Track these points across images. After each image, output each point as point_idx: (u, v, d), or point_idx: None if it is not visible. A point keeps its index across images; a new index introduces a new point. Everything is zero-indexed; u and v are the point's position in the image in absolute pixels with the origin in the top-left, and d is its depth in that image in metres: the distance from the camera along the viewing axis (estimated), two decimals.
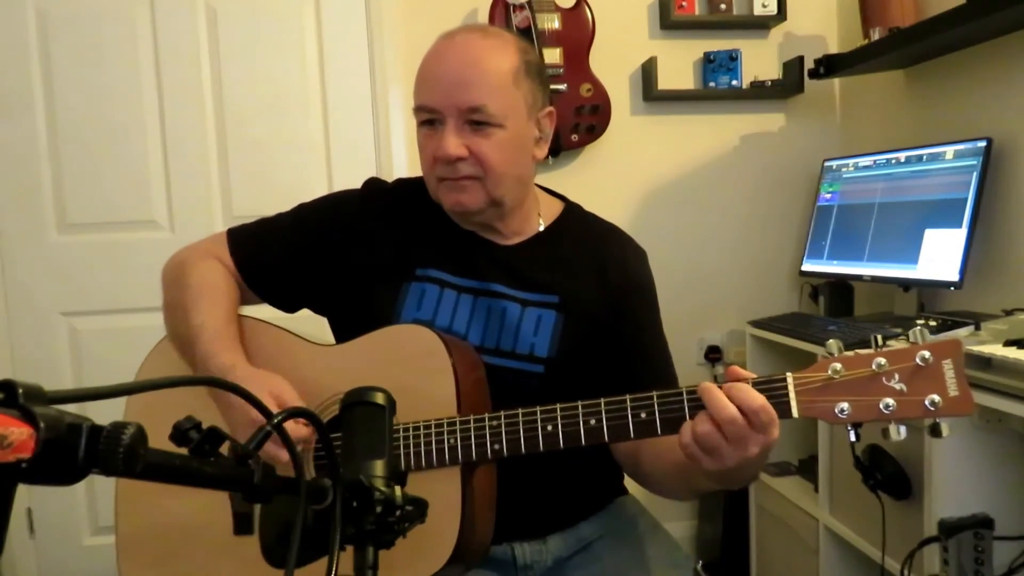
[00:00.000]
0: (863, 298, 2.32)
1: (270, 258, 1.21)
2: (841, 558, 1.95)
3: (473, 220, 1.16)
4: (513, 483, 1.06)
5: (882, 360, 0.85)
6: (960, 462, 1.47)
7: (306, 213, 1.24)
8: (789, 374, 0.88)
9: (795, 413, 0.87)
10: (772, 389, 0.87)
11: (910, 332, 0.86)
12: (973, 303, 1.94)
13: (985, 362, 1.35)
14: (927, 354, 0.84)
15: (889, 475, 1.63)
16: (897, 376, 0.85)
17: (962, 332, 1.45)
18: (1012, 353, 1.32)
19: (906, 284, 2.03)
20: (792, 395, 0.87)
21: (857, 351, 0.88)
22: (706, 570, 2.43)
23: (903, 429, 0.85)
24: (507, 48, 1.11)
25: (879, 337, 0.87)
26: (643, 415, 0.93)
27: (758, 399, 0.85)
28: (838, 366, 0.86)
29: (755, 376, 0.89)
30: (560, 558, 1.18)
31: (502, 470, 1.05)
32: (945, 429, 0.84)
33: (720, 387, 0.87)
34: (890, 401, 0.84)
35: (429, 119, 1.10)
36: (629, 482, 1.25)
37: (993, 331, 1.44)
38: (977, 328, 1.46)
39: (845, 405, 0.86)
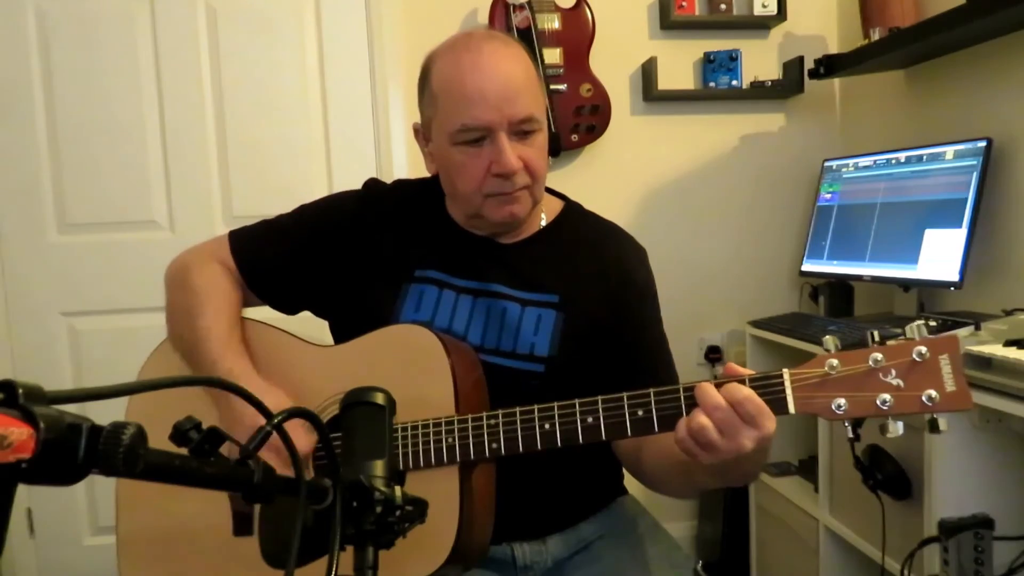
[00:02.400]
0: (863, 298, 2.32)
1: (271, 260, 1.22)
2: (841, 558, 1.95)
3: (506, 228, 1.17)
4: (513, 483, 1.06)
5: (879, 356, 0.85)
6: (960, 462, 1.47)
7: (307, 215, 1.24)
8: (785, 370, 0.88)
9: (792, 409, 0.87)
10: (768, 385, 0.88)
11: (907, 328, 0.86)
12: (973, 303, 1.94)
13: (985, 362, 1.35)
14: (924, 350, 0.84)
15: (889, 475, 1.63)
16: (894, 372, 0.85)
17: (962, 332, 1.45)
18: (1012, 353, 1.32)
19: (906, 284, 2.02)
20: (789, 391, 0.87)
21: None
22: (706, 570, 2.44)
23: (900, 425, 0.85)
24: (522, 51, 1.13)
25: (875, 333, 0.87)
26: (640, 413, 0.93)
27: (743, 390, 0.86)
28: (835, 362, 0.86)
29: (752, 372, 0.89)
30: (560, 558, 1.18)
31: (502, 470, 1.05)
32: (943, 424, 0.84)
33: (716, 384, 0.88)
34: (887, 397, 0.84)
35: (476, 137, 1.08)
36: (629, 482, 1.25)
37: (993, 331, 1.44)
38: (977, 328, 1.45)
39: (842, 401, 0.86)
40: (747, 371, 0.90)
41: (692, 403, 0.88)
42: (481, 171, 1.08)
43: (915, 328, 0.86)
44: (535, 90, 1.11)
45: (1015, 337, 1.38)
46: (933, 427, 0.84)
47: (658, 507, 1.38)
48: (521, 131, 1.08)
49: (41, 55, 2.31)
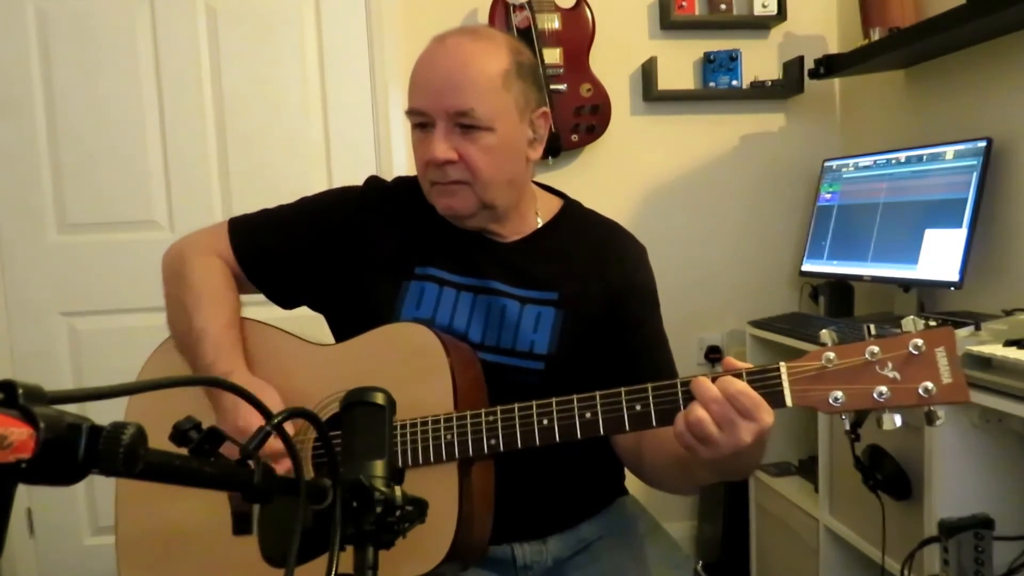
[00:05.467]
0: (863, 298, 2.32)
1: (270, 251, 1.21)
2: (841, 558, 1.95)
3: (467, 224, 1.16)
4: (513, 483, 1.06)
5: (875, 348, 0.85)
6: (960, 462, 1.47)
7: (308, 207, 1.24)
8: (783, 364, 0.89)
9: (789, 402, 0.88)
10: (766, 378, 0.88)
11: (903, 322, 0.87)
12: (973, 303, 1.94)
13: (985, 362, 1.35)
14: (920, 342, 0.84)
15: (889, 475, 1.63)
16: (890, 364, 0.85)
17: (962, 332, 1.45)
18: (1012, 353, 1.31)
19: (906, 284, 2.02)
20: (786, 384, 0.88)
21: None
22: (706, 570, 2.44)
23: (898, 418, 0.86)
24: (498, 50, 1.10)
25: (871, 327, 0.87)
26: (638, 407, 0.93)
27: (739, 383, 0.86)
28: (831, 355, 0.86)
29: (750, 366, 0.89)
30: (560, 558, 1.18)
31: (502, 471, 1.05)
32: (940, 416, 0.84)
33: (713, 378, 0.88)
34: (884, 389, 0.85)
35: (421, 122, 1.10)
36: (630, 482, 1.25)
37: (993, 331, 1.43)
38: (977, 328, 1.45)
39: (839, 394, 0.86)
40: (745, 364, 0.90)
41: (690, 397, 0.89)
42: (423, 157, 1.11)
43: (911, 321, 0.86)
44: (491, 89, 1.07)
45: (1015, 337, 1.38)
46: (930, 420, 0.85)
47: (658, 507, 1.38)
48: (462, 124, 1.07)
49: (41, 55, 2.32)
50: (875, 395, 0.85)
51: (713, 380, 0.88)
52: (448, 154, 1.07)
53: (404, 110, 1.13)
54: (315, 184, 2.39)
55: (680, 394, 0.91)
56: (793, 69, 2.50)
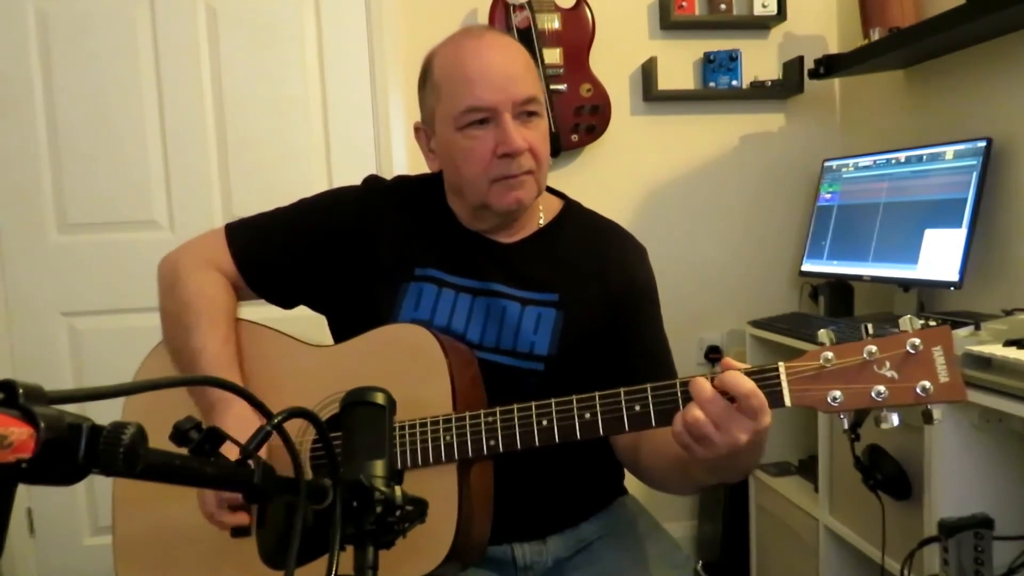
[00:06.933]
0: (863, 298, 2.32)
1: (270, 255, 1.21)
2: (841, 558, 1.95)
3: (511, 218, 1.16)
4: (513, 484, 1.06)
5: (873, 348, 0.85)
6: (960, 462, 1.47)
7: (306, 209, 1.24)
8: (781, 363, 0.89)
9: (788, 402, 0.88)
10: (765, 379, 0.88)
11: (900, 321, 0.87)
12: (973, 303, 1.94)
13: (985, 362, 1.35)
14: (917, 341, 0.85)
15: (889, 475, 1.63)
16: (888, 364, 0.85)
17: (962, 332, 1.45)
18: (1012, 353, 1.31)
19: (906, 284, 2.02)
20: (784, 384, 0.88)
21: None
22: (706, 570, 2.44)
23: (896, 417, 0.86)
24: (518, 43, 1.16)
25: (869, 326, 0.87)
26: (637, 407, 0.93)
27: (748, 384, 0.85)
28: (830, 355, 0.87)
29: (748, 366, 0.89)
30: (560, 558, 1.18)
31: (503, 471, 1.05)
32: (937, 415, 0.85)
33: (711, 377, 0.88)
34: (881, 388, 0.85)
35: (482, 118, 1.08)
36: (630, 482, 1.25)
37: (993, 331, 1.43)
38: (977, 328, 1.45)
39: (837, 393, 0.86)
40: (743, 365, 0.90)
41: (689, 398, 0.89)
42: (487, 154, 1.08)
43: (908, 320, 0.87)
44: (535, 76, 1.13)
45: (1015, 337, 1.38)
46: (927, 419, 0.85)
47: (658, 507, 1.38)
48: (525, 112, 1.09)
49: (41, 55, 2.31)
50: (873, 394, 0.85)
51: (711, 380, 0.88)
52: (525, 143, 1.08)
53: (457, 111, 1.08)
54: (315, 184, 2.40)
55: (679, 395, 0.91)
56: (793, 69, 2.50)
